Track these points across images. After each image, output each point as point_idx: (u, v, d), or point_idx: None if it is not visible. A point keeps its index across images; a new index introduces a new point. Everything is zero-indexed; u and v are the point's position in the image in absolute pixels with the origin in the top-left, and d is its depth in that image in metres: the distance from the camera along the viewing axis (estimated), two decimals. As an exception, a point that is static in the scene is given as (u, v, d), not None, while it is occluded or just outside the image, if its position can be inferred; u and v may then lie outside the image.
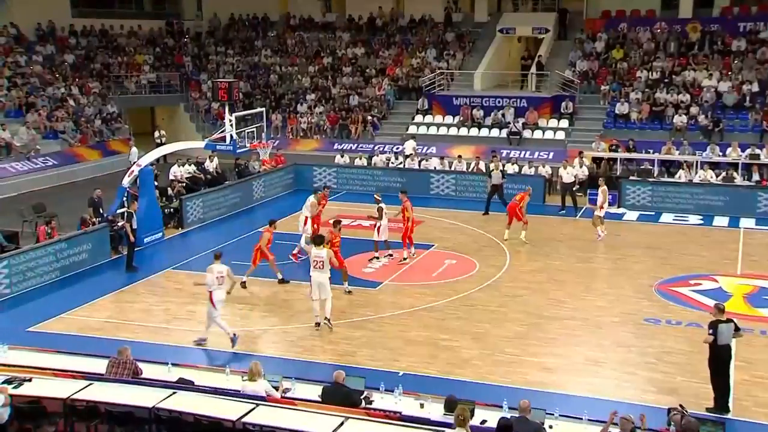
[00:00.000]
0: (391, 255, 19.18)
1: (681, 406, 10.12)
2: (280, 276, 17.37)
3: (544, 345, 13.98)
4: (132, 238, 18.53)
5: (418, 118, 32.86)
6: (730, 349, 11.48)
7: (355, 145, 31.61)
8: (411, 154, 28.55)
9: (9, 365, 11.07)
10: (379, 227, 18.86)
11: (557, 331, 14.63)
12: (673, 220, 23.22)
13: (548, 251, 20.02)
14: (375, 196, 19.84)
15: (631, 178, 25.61)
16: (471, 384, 12.35)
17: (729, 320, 11.45)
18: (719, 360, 11.39)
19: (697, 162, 25.82)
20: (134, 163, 21.99)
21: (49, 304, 16.37)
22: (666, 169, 26.63)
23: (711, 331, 11.29)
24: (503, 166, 25.25)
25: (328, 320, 14.73)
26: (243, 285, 16.99)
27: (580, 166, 25.25)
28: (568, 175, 24.22)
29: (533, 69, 33.00)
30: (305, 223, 18.80)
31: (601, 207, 20.90)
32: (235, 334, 13.98)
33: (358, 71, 36.52)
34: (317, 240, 15.05)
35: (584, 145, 27.94)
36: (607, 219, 23.15)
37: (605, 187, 21.20)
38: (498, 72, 34.67)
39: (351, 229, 21.83)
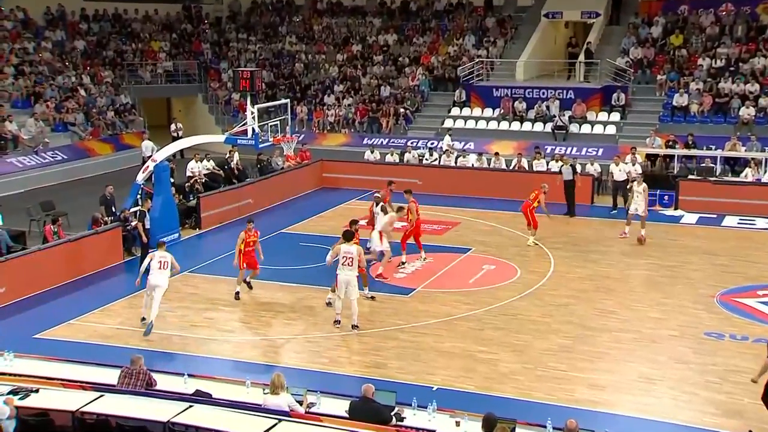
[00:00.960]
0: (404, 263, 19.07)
1: None
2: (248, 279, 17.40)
3: (592, 359, 13.84)
4: (145, 239, 18.69)
5: (455, 111, 32.78)
6: None
7: (387, 140, 31.63)
8: (447, 150, 28.48)
9: (15, 375, 11.19)
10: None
11: (606, 345, 14.48)
12: (738, 223, 22.87)
13: (596, 257, 19.85)
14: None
15: (691, 177, 25.30)
16: (511, 401, 12.29)
17: None
18: None
19: (765, 159, 25.42)
20: (149, 158, 22.19)
21: (57, 309, 16.58)
22: (730, 168, 26.26)
23: None
24: (548, 163, 25.10)
25: (356, 326, 14.96)
26: (250, 285, 17.41)
27: (633, 164, 24.94)
28: (620, 172, 23.98)
29: (581, 57, 32.75)
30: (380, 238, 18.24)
31: (645, 211, 20.85)
32: (151, 323, 14.80)
33: (390, 60, 36.52)
34: (347, 235, 15.24)
35: (638, 141, 27.66)
36: (664, 222, 22.95)
37: (645, 184, 21.06)
38: (542, 60, 34.45)
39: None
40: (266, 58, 38.55)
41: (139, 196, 21.13)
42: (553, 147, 29.00)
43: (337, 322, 15.19)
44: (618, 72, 31.51)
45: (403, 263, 18.99)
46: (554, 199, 22.84)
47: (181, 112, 38.95)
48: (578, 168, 25.08)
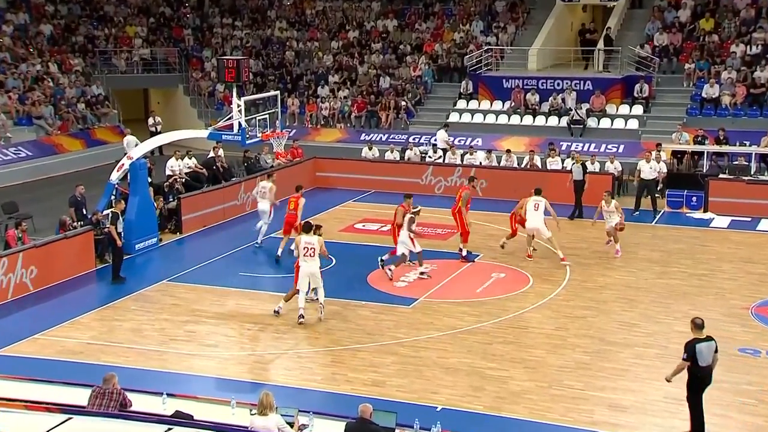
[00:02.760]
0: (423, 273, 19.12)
1: None
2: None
3: (613, 377, 13.82)
4: (119, 243, 18.67)
5: (461, 104, 32.79)
6: (711, 371, 11.68)
7: (386, 135, 31.62)
8: (446, 147, 28.40)
9: (-28, 395, 11.15)
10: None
11: (628, 361, 14.46)
12: (775, 228, 22.90)
13: (617, 264, 19.85)
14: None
15: (722, 176, 25.31)
16: (524, 423, 12.27)
17: (709, 338, 11.69)
18: (701, 383, 11.61)
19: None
20: (126, 155, 22.16)
21: (21, 322, 16.55)
22: (766, 166, 26.26)
23: (685, 354, 11.54)
24: (563, 161, 25.12)
25: (323, 306, 16.18)
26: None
27: (657, 162, 24.95)
28: (650, 170, 23.98)
29: (600, 44, 32.76)
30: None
31: (621, 226, 20.29)
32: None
33: (390, 48, 36.54)
34: (306, 227, 16.26)
35: (663, 137, 27.64)
36: (692, 226, 22.94)
37: (615, 201, 20.58)
38: (558, 48, 34.47)
39: (380, 235, 21.82)
40: (254, 46, 38.57)
41: (113, 197, 21.10)
42: (569, 143, 29.01)
43: (301, 317, 16.01)
44: (641, 60, 31.53)
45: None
46: (566, 201, 23.02)
47: (160, 104, 38.96)
48: (593, 167, 25.10)
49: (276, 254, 19.84)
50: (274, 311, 16.48)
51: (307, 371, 14.20)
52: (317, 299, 16.36)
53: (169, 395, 11.28)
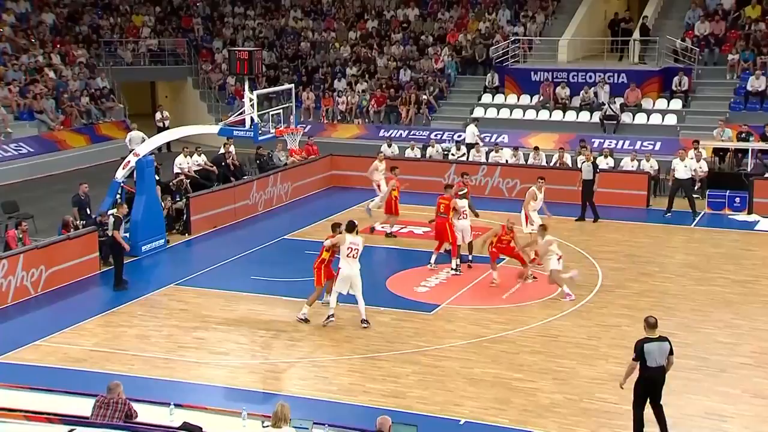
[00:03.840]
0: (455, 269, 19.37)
1: None
2: None
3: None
4: (127, 247, 18.77)
5: (486, 99, 32.74)
6: (662, 373, 11.88)
7: (407, 131, 31.62)
8: (474, 143, 28.40)
9: (-31, 405, 11.23)
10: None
11: (668, 373, 14.35)
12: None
13: (653, 269, 19.75)
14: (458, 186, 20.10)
15: (768, 175, 25.19)
16: (553, 438, 12.22)
17: (662, 338, 11.93)
18: (646, 385, 11.82)
19: None
20: (132, 151, 22.27)
21: (21, 328, 16.64)
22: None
23: (634, 354, 11.81)
24: (594, 159, 24.97)
25: (366, 321, 16.06)
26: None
27: (698, 161, 24.84)
28: (685, 169, 23.86)
29: (636, 34, 32.62)
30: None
31: (558, 259, 18.07)
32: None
33: (411, 38, 36.54)
34: (350, 226, 16.14)
35: (703, 133, 27.53)
36: (735, 229, 22.80)
37: (550, 237, 18.23)
38: (590, 39, 34.36)
39: (399, 237, 21.86)
40: (267, 36, 38.68)
41: (118, 196, 21.22)
42: (602, 140, 28.91)
43: (329, 318, 16.16)
44: (680, 51, 31.36)
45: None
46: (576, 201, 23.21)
47: (168, 98, 39.14)
48: (632, 165, 25.05)
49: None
50: (300, 319, 16.44)
51: (323, 381, 14.20)
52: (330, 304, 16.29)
53: (177, 406, 11.32)
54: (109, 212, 19.62)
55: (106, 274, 19.53)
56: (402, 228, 22.65)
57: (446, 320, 16.76)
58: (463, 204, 19.62)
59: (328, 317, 16.21)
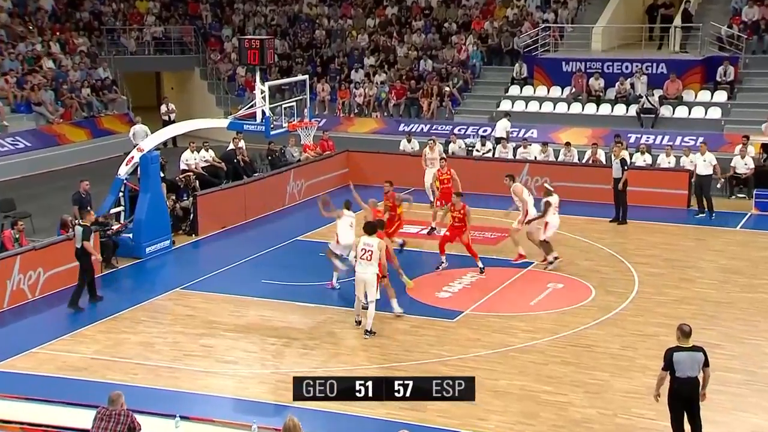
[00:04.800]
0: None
1: None
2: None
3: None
4: (98, 257, 18.46)
5: (514, 91, 32.71)
6: (695, 386, 11.78)
7: (428, 126, 31.60)
8: (503, 137, 28.35)
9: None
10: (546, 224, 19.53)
11: (709, 388, 14.21)
12: None
13: (694, 274, 19.68)
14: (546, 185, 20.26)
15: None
16: (585, 455, 12.20)
17: (695, 348, 11.87)
18: (678, 398, 11.78)
19: None
20: (136, 146, 22.37)
21: (17, 334, 16.73)
22: None
23: (663, 363, 11.78)
24: (631, 156, 24.91)
25: (369, 332, 16.05)
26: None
27: (742, 157, 24.75)
28: (704, 164, 23.92)
29: (677, 21, 32.46)
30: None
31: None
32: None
33: (434, 26, 36.52)
34: (368, 228, 16.28)
35: (750, 128, 27.44)
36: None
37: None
38: (626, 26, 34.26)
39: (420, 239, 21.88)
40: (279, 24, 38.77)
41: (121, 194, 21.31)
42: (639, 136, 28.79)
43: (358, 323, 16.37)
44: (725, 39, 31.18)
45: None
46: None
47: (174, 90, 39.28)
48: (668, 161, 24.93)
49: None
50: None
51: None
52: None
53: (183, 418, 11.36)
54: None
55: (108, 276, 19.63)
56: (423, 229, 22.63)
57: (470, 328, 16.71)
58: (555, 200, 19.80)
59: (357, 323, 16.41)
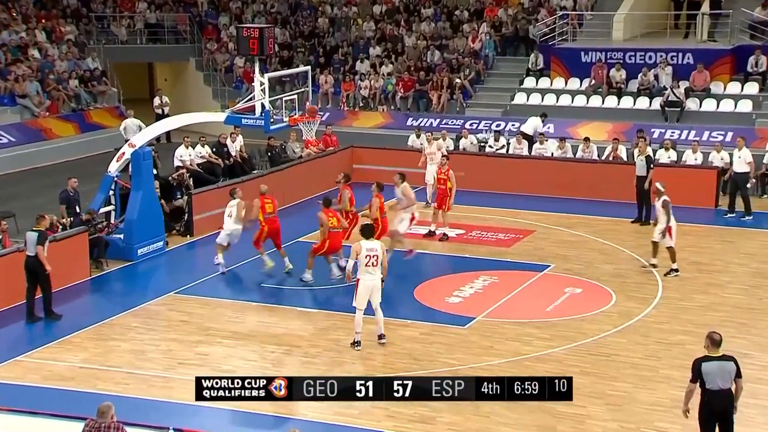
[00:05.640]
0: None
1: None
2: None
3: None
4: (48, 268, 17.26)
5: (529, 83, 32.70)
6: (728, 398, 11.69)
7: (437, 120, 31.61)
8: (533, 136, 28.16)
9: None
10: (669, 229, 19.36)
11: (740, 400, 14.23)
12: None
13: (724, 278, 19.66)
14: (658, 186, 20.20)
15: None
16: (605, 472, 12.20)
17: (726, 357, 11.82)
18: (709, 410, 11.69)
19: None
20: (127, 142, 22.39)
21: (0, 341, 16.73)
22: None
23: (692, 375, 11.74)
24: (654, 152, 24.87)
25: (383, 336, 16.09)
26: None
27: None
28: (739, 160, 23.94)
29: (705, 7, 32.38)
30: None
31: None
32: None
33: (444, 14, 36.50)
34: (366, 231, 16.16)
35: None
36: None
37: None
38: (650, 13, 34.23)
39: (429, 241, 21.85)
40: (280, 12, 38.78)
41: (111, 193, 21.33)
42: (663, 130, 28.76)
43: (355, 343, 16.01)
44: (757, 26, 31.07)
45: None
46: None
47: (168, 81, 39.34)
48: (695, 158, 24.90)
49: None
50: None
51: (342, 404, 14.12)
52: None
53: (177, 430, 11.36)
54: (107, 208, 19.66)
55: (97, 279, 19.66)
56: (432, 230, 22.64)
57: (482, 335, 16.72)
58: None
59: (354, 342, 16.10)
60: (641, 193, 23.32)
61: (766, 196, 25.55)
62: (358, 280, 15.89)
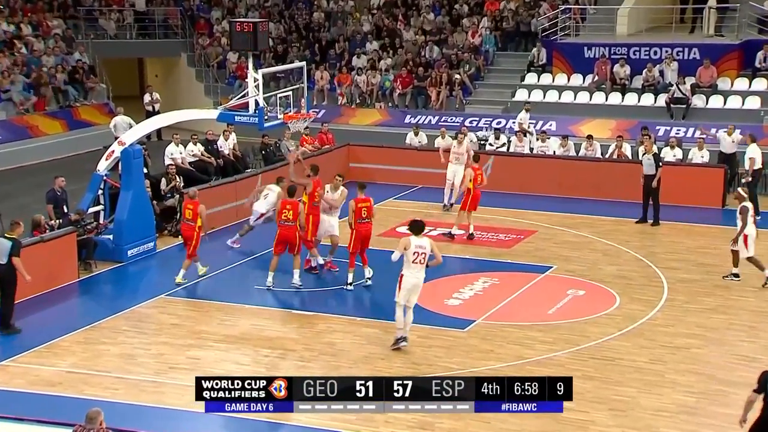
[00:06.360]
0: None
1: None
2: None
3: (727, 426, 13.56)
4: (27, 278, 16.93)
5: (531, 79, 32.72)
6: None
7: (436, 117, 31.61)
8: (519, 131, 28.23)
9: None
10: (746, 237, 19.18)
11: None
12: None
13: (731, 281, 19.64)
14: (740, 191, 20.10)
15: None
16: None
17: None
18: (765, 423, 11.39)
19: None
20: (117, 139, 22.37)
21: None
22: None
23: (757, 385, 11.47)
24: (660, 150, 24.88)
25: (406, 339, 16.09)
26: None
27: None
28: (732, 144, 24.01)
29: (712, 1, 32.36)
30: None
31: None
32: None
33: (443, 8, 36.49)
34: (415, 227, 15.91)
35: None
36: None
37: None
38: (655, 7, 34.25)
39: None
40: (275, 5, 38.73)
41: (101, 192, 21.30)
42: (668, 128, 28.78)
43: (399, 340, 16.06)
44: (765, 21, 31.10)
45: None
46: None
47: (159, 77, 39.28)
48: (700, 156, 24.94)
49: None
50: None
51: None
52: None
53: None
54: (96, 208, 19.60)
55: (86, 282, 19.64)
56: (431, 230, 22.58)
57: (483, 339, 16.72)
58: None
59: (398, 339, 16.12)
60: (648, 192, 23.33)
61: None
62: (402, 275, 15.83)
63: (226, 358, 16.03)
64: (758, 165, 23.94)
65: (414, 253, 15.64)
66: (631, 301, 18.43)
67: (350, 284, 18.89)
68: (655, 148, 24.07)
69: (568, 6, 33.82)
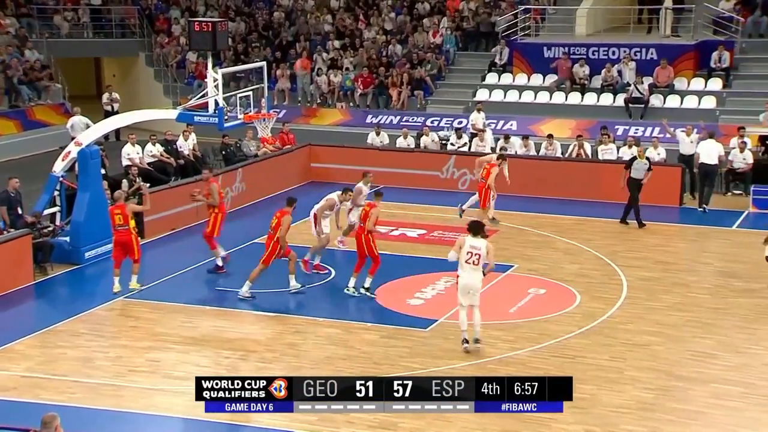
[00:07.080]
0: None
1: None
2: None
3: (685, 421, 13.73)
4: None
5: (491, 79, 32.81)
6: None
7: (398, 117, 31.63)
8: (484, 130, 28.26)
9: None
10: None
11: (704, 401, 14.37)
12: None
13: (689, 278, 19.81)
14: None
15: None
16: (570, 477, 12.21)
17: None
18: None
19: None
20: (73, 140, 22.19)
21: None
22: None
23: None
24: (618, 149, 24.99)
25: (479, 340, 15.96)
26: None
27: (741, 151, 24.93)
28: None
29: (668, 2, 32.64)
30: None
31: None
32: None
33: (405, 7, 36.50)
34: (473, 228, 15.93)
35: (747, 118, 27.69)
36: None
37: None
38: (613, 7, 34.45)
39: (390, 240, 21.80)
40: (234, 4, 38.58)
41: (56, 193, 21.11)
42: (627, 127, 28.96)
43: (466, 341, 15.91)
44: (720, 21, 31.39)
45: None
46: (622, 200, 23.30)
47: (116, 77, 39.01)
48: (657, 154, 25.11)
49: None
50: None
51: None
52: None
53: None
54: (52, 209, 19.37)
55: (42, 284, 19.45)
56: (393, 230, 22.62)
57: (445, 338, 16.72)
58: None
59: (464, 341, 15.99)
60: (636, 196, 23.29)
61: (730, 194, 25.73)
62: (457, 276, 15.93)
63: (186, 360, 15.93)
64: (704, 159, 24.08)
65: (468, 253, 15.65)
66: (591, 299, 18.51)
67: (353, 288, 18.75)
68: (647, 153, 24.04)
69: (527, 6, 33.92)
